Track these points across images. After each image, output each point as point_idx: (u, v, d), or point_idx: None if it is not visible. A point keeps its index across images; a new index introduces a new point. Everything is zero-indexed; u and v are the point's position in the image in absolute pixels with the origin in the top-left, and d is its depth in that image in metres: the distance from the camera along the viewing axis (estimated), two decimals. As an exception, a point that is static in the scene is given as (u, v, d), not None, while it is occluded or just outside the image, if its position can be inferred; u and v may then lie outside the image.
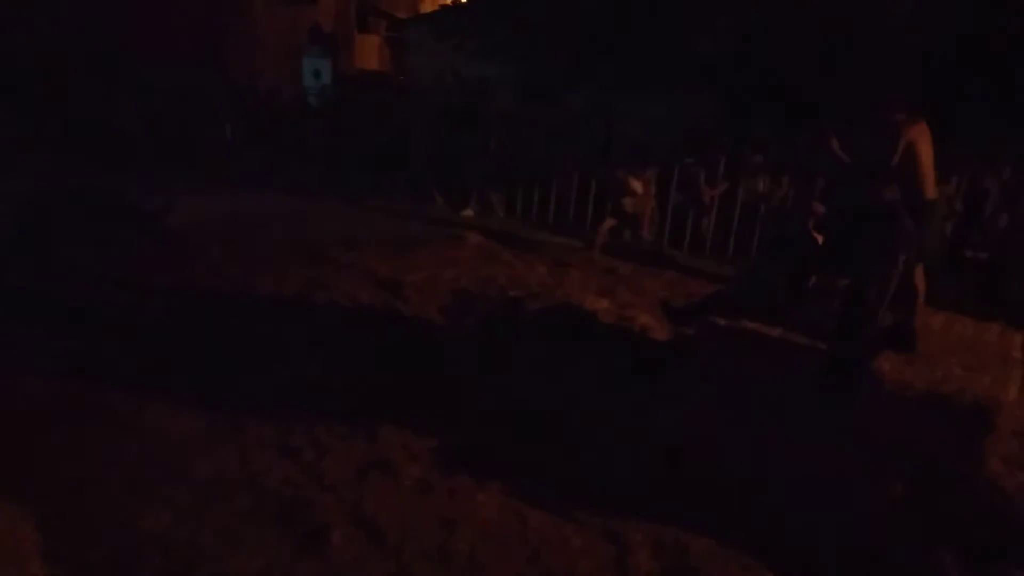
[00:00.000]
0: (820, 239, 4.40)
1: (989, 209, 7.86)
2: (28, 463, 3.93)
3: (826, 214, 4.93)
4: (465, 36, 12.11)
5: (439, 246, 8.66)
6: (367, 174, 10.91)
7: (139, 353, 5.32)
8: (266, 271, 7.20)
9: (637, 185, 9.24)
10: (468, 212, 10.61)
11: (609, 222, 9.32)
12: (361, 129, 11.55)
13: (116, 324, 5.76)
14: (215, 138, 12.32)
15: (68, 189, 7.65)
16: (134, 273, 6.86)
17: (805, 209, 5.72)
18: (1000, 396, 3.78)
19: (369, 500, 3.90)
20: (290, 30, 17.06)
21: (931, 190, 4.01)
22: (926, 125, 4.01)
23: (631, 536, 3.87)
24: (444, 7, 17.67)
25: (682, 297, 7.03)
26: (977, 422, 3.71)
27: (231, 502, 3.76)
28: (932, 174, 4.03)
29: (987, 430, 3.72)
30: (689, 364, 4.61)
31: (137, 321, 5.87)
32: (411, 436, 4.52)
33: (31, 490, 3.63)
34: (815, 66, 9.84)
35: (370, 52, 21.67)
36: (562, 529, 3.90)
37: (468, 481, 4.18)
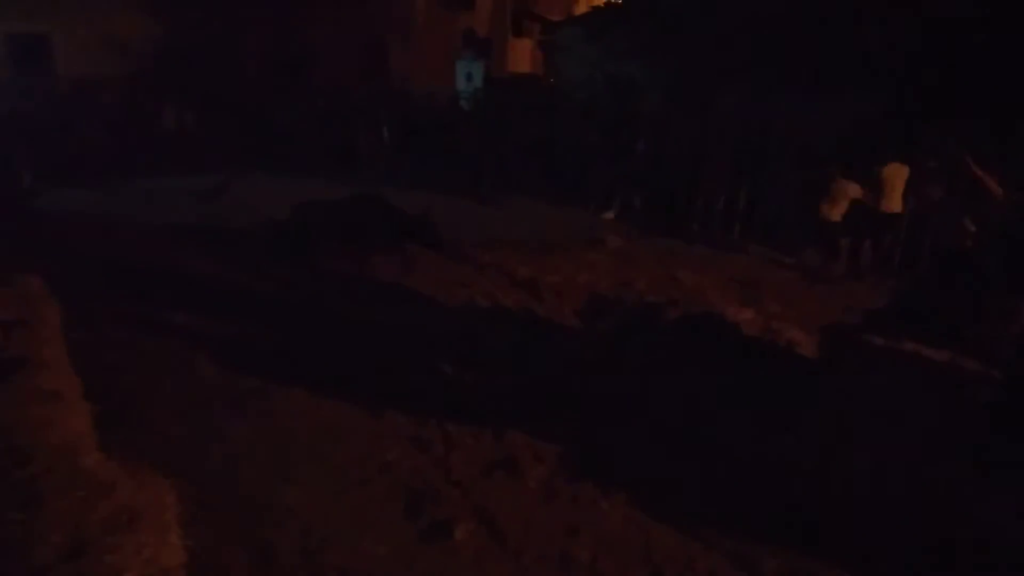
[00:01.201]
0: (997, 255, 3.93)
1: None
2: (184, 440, 4.32)
3: (1010, 228, 4.40)
4: (614, 37, 11.97)
5: (578, 248, 8.64)
6: (512, 175, 11.09)
7: (288, 341, 5.72)
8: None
9: (855, 189, 8.23)
10: (610, 215, 10.50)
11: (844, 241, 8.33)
12: (507, 130, 11.76)
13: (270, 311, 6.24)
14: (373, 141, 13.03)
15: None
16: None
17: (982, 221, 5.14)
18: None
19: (494, 498, 3.94)
20: (448, 35, 17.73)
21: None
22: None
23: (763, 563, 3.65)
24: (595, 8, 17.63)
25: (836, 311, 6.57)
26: None
27: (365, 487, 3.94)
28: None
29: None
30: (839, 385, 4.28)
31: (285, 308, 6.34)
32: (539, 438, 4.52)
33: (182, 465, 3.98)
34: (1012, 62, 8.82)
35: (523, 56, 22.04)
36: (688, 548, 3.75)
37: (592, 488, 4.12)
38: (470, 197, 10.97)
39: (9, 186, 10.55)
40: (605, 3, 17.61)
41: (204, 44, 14.53)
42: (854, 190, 8.17)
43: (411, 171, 12.24)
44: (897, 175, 8.20)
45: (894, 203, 8.20)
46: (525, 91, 15.06)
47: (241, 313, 6.28)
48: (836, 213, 8.23)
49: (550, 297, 6.77)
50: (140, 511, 3.40)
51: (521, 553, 3.54)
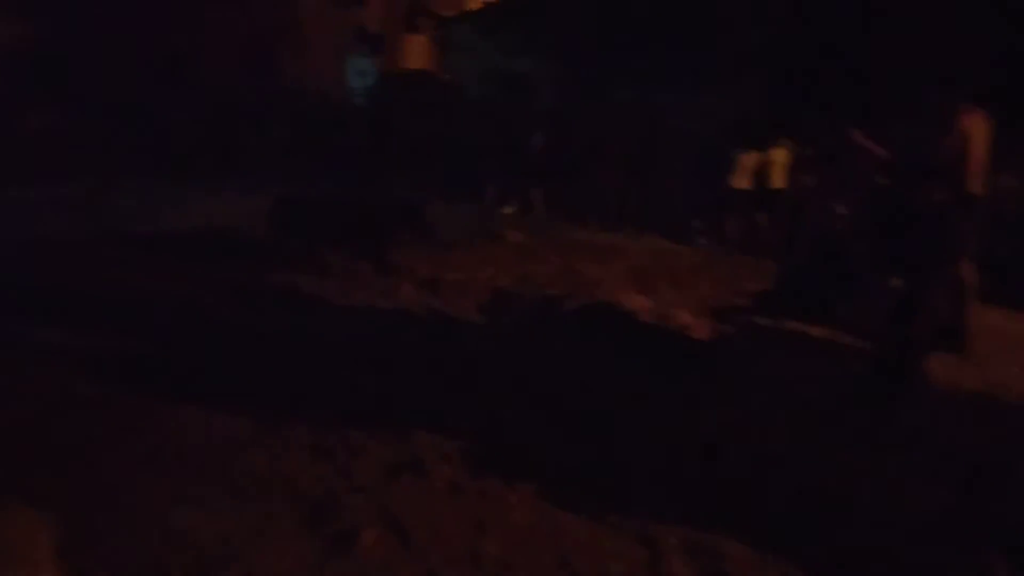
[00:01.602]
0: (866, 237, 4.21)
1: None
2: (61, 466, 4.03)
3: (877, 212, 4.71)
4: (506, 33, 12.06)
5: (479, 245, 8.65)
6: (407, 172, 10.96)
7: (170, 352, 5.45)
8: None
9: (752, 159, 8.79)
10: (508, 209, 10.57)
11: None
12: (402, 128, 11.63)
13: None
14: (263, 142, 12.59)
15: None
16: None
17: (853, 205, 5.49)
18: (1060, 398, 3.57)
19: (399, 501, 3.89)
20: (339, 32, 17.31)
21: (982, 185, 3.79)
22: (985, 117, 3.80)
23: (666, 540, 3.77)
24: (487, 5, 17.66)
25: (727, 295, 6.86)
26: (1034, 425, 3.51)
27: (263, 502, 3.80)
28: (985, 169, 3.81)
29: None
30: (730, 364, 4.48)
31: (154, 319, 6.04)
32: (444, 437, 4.50)
33: (60, 494, 3.71)
34: (870, 53, 9.46)
35: (418, 52, 21.80)
36: (595, 532, 3.82)
37: (500, 483, 4.14)
38: (367, 197, 10.77)
39: None
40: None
41: (74, 42, 13.61)
42: (751, 159, 8.70)
43: (304, 172, 11.89)
44: (778, 156, 8.74)
45: (778, 181, 8.75)
46: (421, 88, 14.92)
47: (119, 327, 5.93)
48: (742, 183, 8.79)
49: (452, 295, 6.76)
50: (9, 545, 3.15)
51: (429, 554, 3.52)
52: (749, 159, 8.81)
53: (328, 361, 5.42)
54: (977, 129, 3.77)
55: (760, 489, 3.97)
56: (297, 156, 12.05)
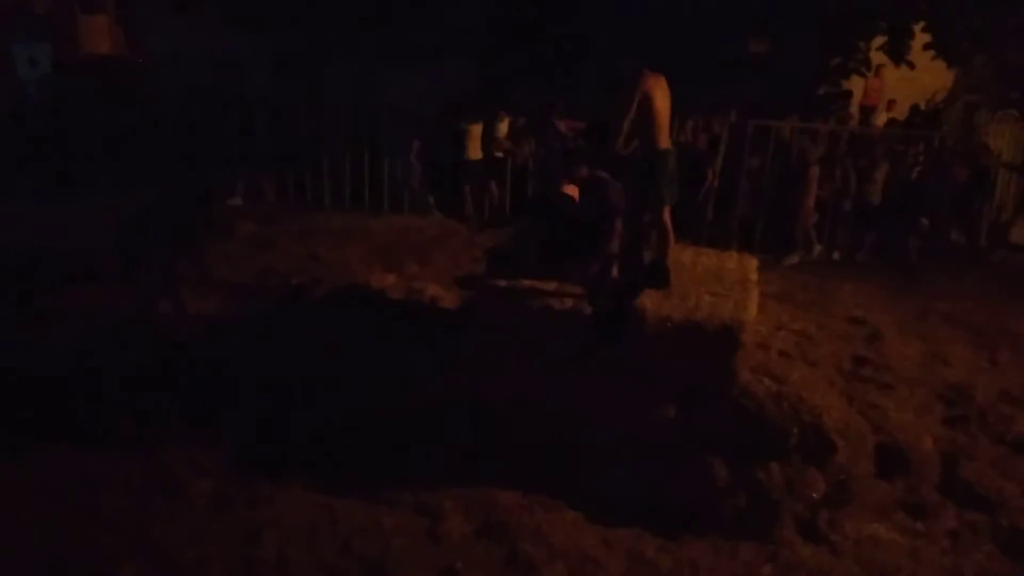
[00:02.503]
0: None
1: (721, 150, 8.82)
2: None
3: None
4: (202, 9, 11.10)
5: (208, 241, 8.02)
6: (101, 170, 9.74)
7: None
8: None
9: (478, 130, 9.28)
10: (237, 200, 9.94)
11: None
12: (89, 121, 10.33)
13: None
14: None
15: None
16: None
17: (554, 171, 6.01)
18: (742, 316, 4.30)
19: (159, 528, 3.60)
20: (-5, 13, 14.72)
21: (666, 140, 4.40)
22: (662, 78, 4.37)
23: (442, 504, 3.95)
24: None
25: (467, 263, 7.17)
26: (727, 341, 4.21)
27: (-13, 566, 3.30)
28: (667, 124, 4.41)
29: (735, 347, 4.23)
30: (475, 328, 4.72)
31: None
32: (198, 452, 4.22)
33: None
34: (559, 29, 10.35)
35: (100, 34, 19.27)
36: (373, 512, 3.88)
37: (268, 486, 4.01)
38: (59, 200, 9.39)
39: None
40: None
41: None
42: (479, 131, 9.14)
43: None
44: (500, 128, 9.35)
45: (500, 150, 9.36)
46: (106, 75, 13.28)
47: None
48: (476, 153, 9.19)
49: (186, 297, 6.20)
50: None
51: (201, 575, 3.32)
52: (477, 130, 9.22)
53: (39, 383, 4.73)
54: (658, 89, 4.36)
55: (517, 440, 4.29)
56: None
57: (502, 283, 4.57)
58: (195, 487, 3.93)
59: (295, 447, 4.37)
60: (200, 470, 4.06)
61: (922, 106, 10.92)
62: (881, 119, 10.68)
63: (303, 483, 4.06)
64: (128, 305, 5.73)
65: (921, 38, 9.86)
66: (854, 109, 10.98)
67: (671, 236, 4.53)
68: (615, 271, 4.56)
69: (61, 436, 4.24)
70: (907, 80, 10.83)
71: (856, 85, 11.04)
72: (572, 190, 4.53)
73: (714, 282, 4.74)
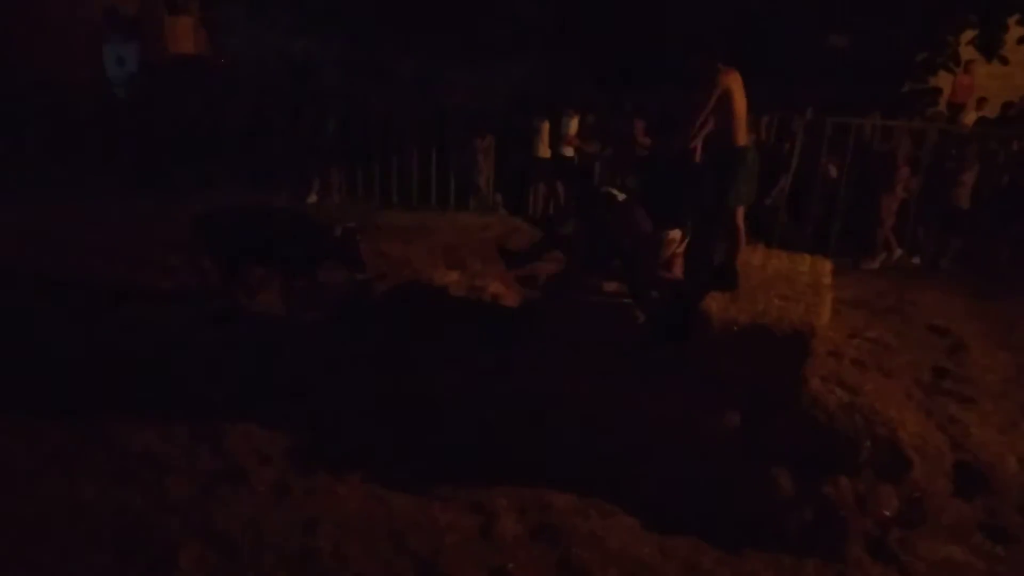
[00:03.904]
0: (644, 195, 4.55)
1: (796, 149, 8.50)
2: None
3: (650, 170, 5.09)
4: (278, 12, 11.43)
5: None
6: (186, 169, 10.12)
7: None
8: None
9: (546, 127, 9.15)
10: (312, 198, 10.18)
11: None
12: (176, 120, 10.74)
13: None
14: (13, 146, 11.00)
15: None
16: None
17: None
18: (813, 321, 4.12)
19: (220, 513, 3.70)
20: (87, 15, 15.49)
21: (744, 137, 4.25)
22: (739, 74, 4.23)
23: (496, 503, 3.92)
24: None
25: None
26: (796, 347, 4.04)
27: (60, 539, 3.44)
28: (744, 121, 4.26)
29: (805, 354, 4.06)
30: (538, 329, 4.68)
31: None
32: (263, 440, 4.32)
33: None
34: (630, 25, 10.18)
35: (185, 35, 20.08)
36: (427, 509, 3.89)
37: (327, 477, 4.06)
38: (139, 200, 9.80)
39: None
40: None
41: None
42: (547, 130, 9.07)
43: (67, 177, 10.55)
44: (569, 127, 9.22)
45: (568, 150, 9.24)
46: (192, 75, 13.81)
47: None
48: (544, 152, 9.14)
49: (259, 292, 6.39)
50: None
51: (258, 562, 3.39)
52: (546, 128, 9.14)
53: (121, 370, 4.95)
54: (736, 86, 4.22)
55: (576, 442, 4.23)
56: (56, 155, 10.66)
57: (564, 283, 4.52)
58: (257, 475, 4.01)
59: (354, 439, 4.41)
60: (263, 459, 4.15)
61: (1016, 104, 10.28)
62: (970, 118, 10.08)
63: (361, 475, 4.10)
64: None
65: (1015, 32, 9.29)
66: (942, 107, 10.44)
67: (743, 238, 4.38)
68: (679, 271, 4.45)
69: (134, 420, 4.40)
70: (999, 77, 10.24)
71: (944, 82, 10.50)
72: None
73: (785, 286, 4.56)
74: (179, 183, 9.69)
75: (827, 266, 5.05)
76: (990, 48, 9.50)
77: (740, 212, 4.34)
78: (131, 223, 8.30)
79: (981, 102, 10.48)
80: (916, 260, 8.10)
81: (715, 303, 4.19)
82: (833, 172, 8.20)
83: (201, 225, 6.02)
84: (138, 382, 4.85)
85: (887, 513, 3.76)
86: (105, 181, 9.88)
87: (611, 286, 4.41)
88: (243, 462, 4.13)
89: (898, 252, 8.05)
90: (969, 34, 9.58)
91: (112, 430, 4.28)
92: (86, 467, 3.98)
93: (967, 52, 9.95)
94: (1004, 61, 9.53)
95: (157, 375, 4.93)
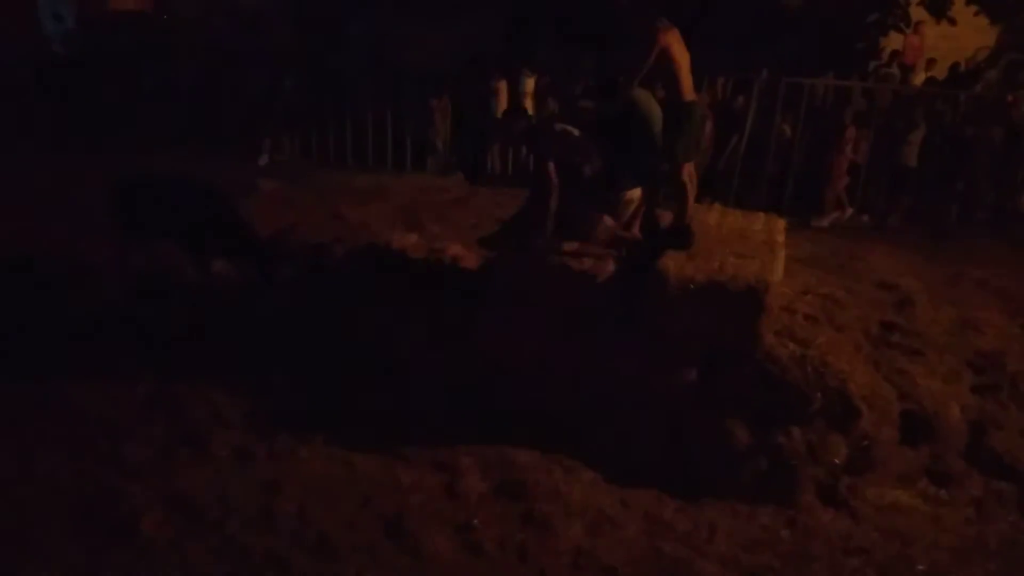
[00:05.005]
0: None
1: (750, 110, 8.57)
2: None
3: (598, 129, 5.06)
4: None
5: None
6: (131, 127, 9.75)
7: None
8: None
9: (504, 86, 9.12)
10: (264, 159, 9.94)
11: None
12: (118, 77, 10.31)
13: None
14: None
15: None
16: None
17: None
18: (768, 278, 4.21)
19: (181, 478, 3.67)
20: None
21: (689, 92, 4.26)
22: (677, 31, 4.22)
23: (460, 462, 3.96)
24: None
25: (489, 223, 7.10)
26: (751, 304, 4.12)
27: (21, 508, 3.38)
28: (689, 78, 4.26)
29: (760, 310, 4.15)
30: (496, 289, 4.68)
31: None
32: (222, 406, 4.27)
33: None
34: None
35: (125, -11, 19.25)
36: (392, 469, 3.91)
37: (289, 440, 4.05)
38: (82, 155, 9.42)
39: None
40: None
41: None
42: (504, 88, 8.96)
43: None
44: (527, 86, 9.14)
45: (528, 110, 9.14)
46: (134, 31, 13.22)
47: None
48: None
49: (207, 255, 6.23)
50: None
51: (221, 525, 3.38)
52: (504, 88, 9.02)
53: (68, 336, 4.82)
54: (675, 42, 4.22)
55: (537, 399, 4.28)
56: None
57: (522, 242, 4.51)
58: (218, 440, 3.97)
59: (316, 403, 4.39)
60: (223, 424, 4.11)
61: (963, 65, 10.51)
62: (919, 78, 10.30)
63: (324, 438, 4.09)
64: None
65: (963, -8, 9.47)
66: (893, 69, 10.63)
67: (689, 195, 4.40)
68: (638, 231, 4.48)
69: (88, 387, 4.31)
70: (948, 38, 10.44)
71: (894, 42, 10.67)
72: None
73: (739, 243, 4.63)
74: (115, 145, 9.31)
75: (781, 224, 5.14)
76: (939, 8, 9.65)
77: (687, 168, 4.37)
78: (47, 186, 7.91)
79: (930, 63, 10.70)
80: (866, 218, 8.31)
81: (672, 261, 4.23)
82: (787, 132, 8.32)
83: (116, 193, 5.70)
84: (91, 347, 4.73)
85: (837, 461, 3.92)
86: (32, 143, 9.43)
87: (571, 245, 4.42)
88: (203, 427, 4.08)
89: (849, 211, 8.25)
90: (919, -5, 9.73)
91: (63, 395, 4.18)
92: (40, 435, 3.89)
93: (917, 13, 10.10)
94: (952, 22, 9.70)
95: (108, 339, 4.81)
